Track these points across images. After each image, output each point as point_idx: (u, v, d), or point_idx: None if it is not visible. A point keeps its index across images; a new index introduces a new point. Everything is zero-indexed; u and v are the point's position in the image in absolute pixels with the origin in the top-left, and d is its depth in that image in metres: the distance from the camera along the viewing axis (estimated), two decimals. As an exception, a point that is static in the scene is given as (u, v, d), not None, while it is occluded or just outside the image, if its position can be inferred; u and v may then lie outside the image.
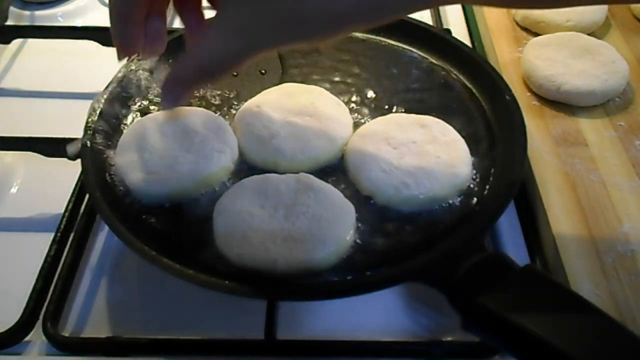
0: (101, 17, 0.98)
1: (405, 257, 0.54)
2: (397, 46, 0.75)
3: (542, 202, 0.63)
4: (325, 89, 0.69)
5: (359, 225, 0.56)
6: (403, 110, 0.68)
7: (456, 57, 0.72)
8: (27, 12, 0.96)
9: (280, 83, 0.70)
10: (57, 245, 0.60)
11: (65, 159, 0.66)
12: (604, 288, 0.55)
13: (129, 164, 0.60)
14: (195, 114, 0.64)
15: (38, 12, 0.96)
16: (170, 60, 0.74)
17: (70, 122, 0.67)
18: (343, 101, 0.68)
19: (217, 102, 0.70)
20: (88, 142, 0.61)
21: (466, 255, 0.49)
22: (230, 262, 0.53)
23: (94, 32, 0.84)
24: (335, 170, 0.62)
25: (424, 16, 0.91)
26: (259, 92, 0.69)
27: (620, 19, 0.87)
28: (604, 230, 0.59)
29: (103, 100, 0.66)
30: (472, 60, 0.71)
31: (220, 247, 0.54)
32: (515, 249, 0.61)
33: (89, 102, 0.66)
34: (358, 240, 0.55)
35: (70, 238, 0.61)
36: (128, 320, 0.57)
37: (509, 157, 0.60)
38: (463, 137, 0.62)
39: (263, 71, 0.75)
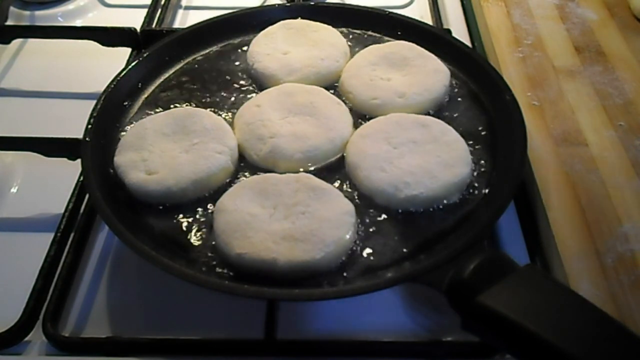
0: (101, 17, 0.98)
1: (405, 258, 0.54)
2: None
3: (542, 202, 0.63)
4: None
5: (359, 225, 0.56)
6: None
7: (456, 57, 0.72)
8: (27, 12, 0.96)
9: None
10: (57, 245, 0.60)
11: (65, 159, 0.66)
12: (604, 288, 0.55)
13: (129, 163, 0.60)
14: (194, 114, 0.64)
15: (38, 12, 0.96)
16: (167, 59, 0.74)
17: (70, 122, 0.67)
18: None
19: (217, 102, 0.70)
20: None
21: (466, 255, 0.48)
22: (230, 262, 0.53)
23: (94, 32, 0.84)
24: (335, 170, 0.62)
25: (424, 16, 0.91)
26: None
27: (620, 18, 0.86)
28: (604, 230, 0.59)
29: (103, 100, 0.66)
30: (472, 60, 0.72)
31: (220, 247, 0.54)
32: (515, 249, 0.61)
33: (89, 102, 0.66)
34: (358, 240, 0.55)
35: (70, 238, 0.61)
36: (128, 320, 0.57)
37: (509, 157, 0.60)
38: (463, 137, 0.62)
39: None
